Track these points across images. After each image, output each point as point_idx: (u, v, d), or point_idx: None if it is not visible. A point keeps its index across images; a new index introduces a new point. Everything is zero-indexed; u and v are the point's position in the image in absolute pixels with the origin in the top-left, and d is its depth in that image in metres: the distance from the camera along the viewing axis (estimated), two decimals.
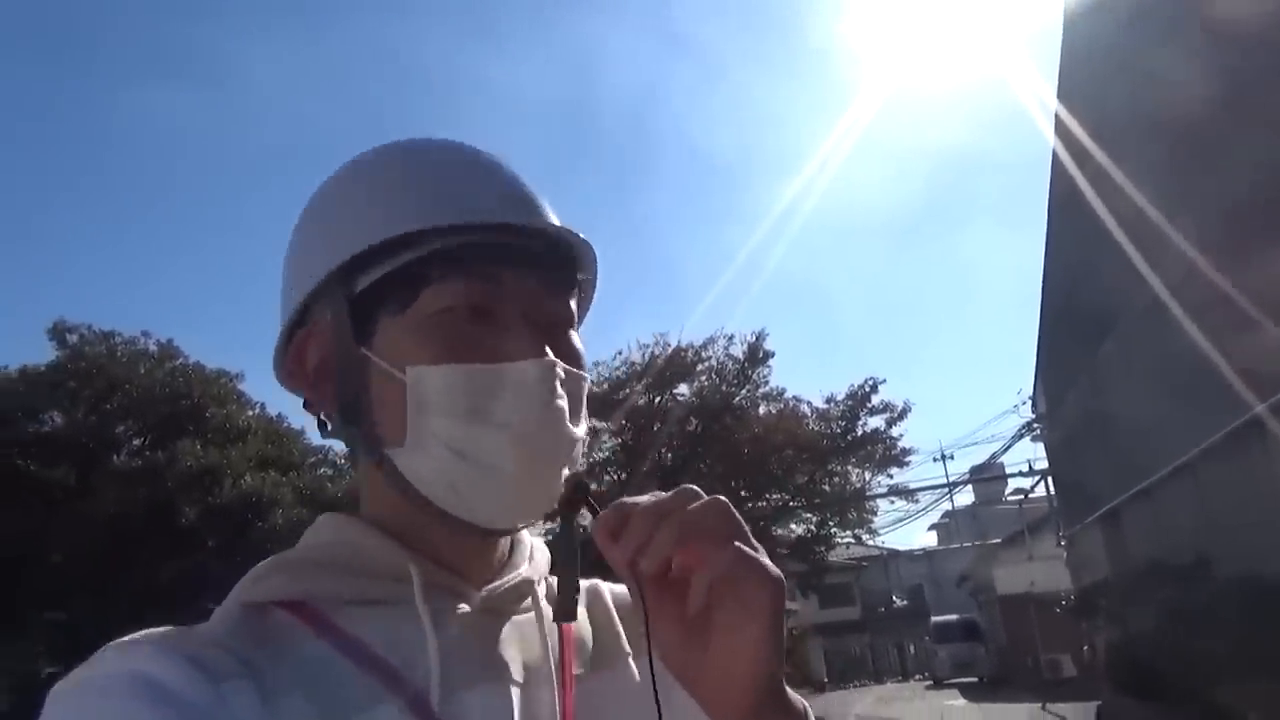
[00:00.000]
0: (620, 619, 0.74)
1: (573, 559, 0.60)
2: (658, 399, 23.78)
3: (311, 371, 0.67)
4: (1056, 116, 13.01)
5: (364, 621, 0.60)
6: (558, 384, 0.62)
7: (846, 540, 27.93)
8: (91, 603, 9.70)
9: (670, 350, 23.28)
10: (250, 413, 12.89)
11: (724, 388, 23.77)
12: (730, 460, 23.36)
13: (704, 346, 23.67)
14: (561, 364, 0.63)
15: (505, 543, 0.70)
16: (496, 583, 0.66)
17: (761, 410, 24.22)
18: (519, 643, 0.65)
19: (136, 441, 11.73)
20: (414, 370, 0.60)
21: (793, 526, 25.25)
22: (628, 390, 23.49)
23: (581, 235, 0.67)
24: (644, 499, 0.54)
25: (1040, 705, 17.49)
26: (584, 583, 0.74)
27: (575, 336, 0.68)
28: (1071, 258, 14.02)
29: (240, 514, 9.67)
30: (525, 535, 0.73)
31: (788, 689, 0.55)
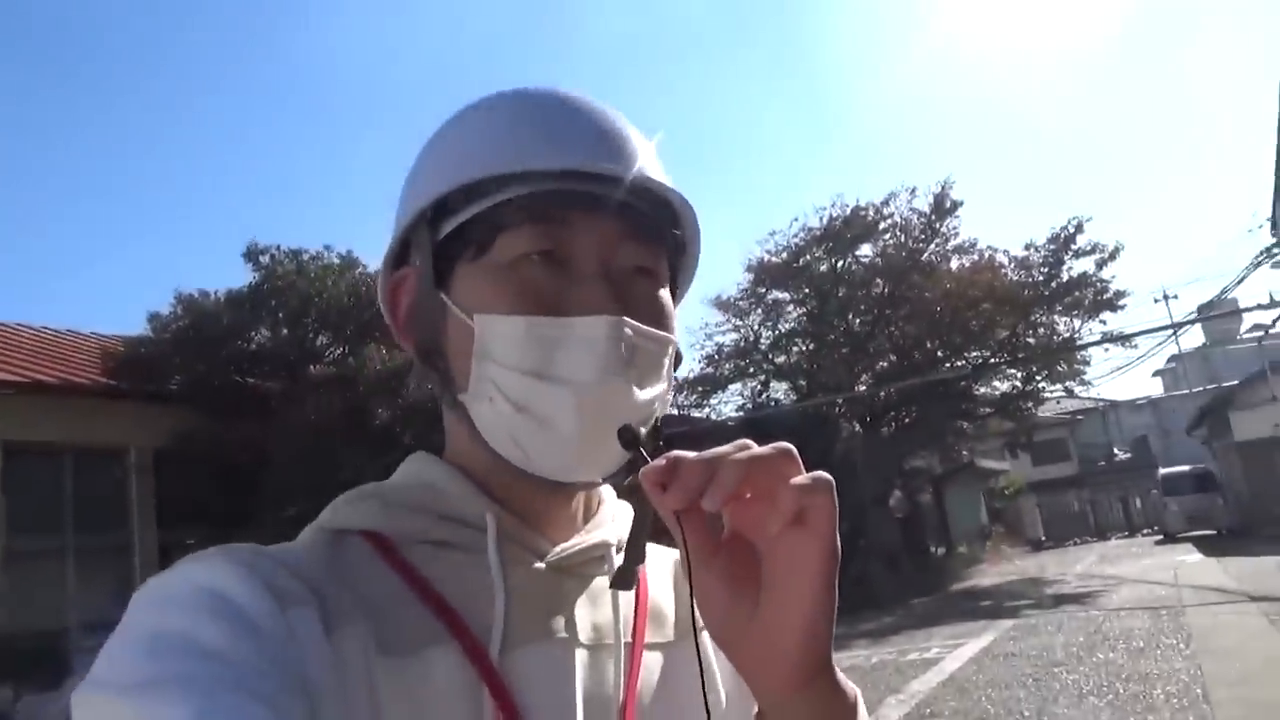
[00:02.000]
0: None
1: (643, 528, 0.59)
2: (840, 263, 22.80)
3: (403, 314, 0.68)
4: None
5: (436, 563, 0.61)
6: (624, 342, 0.60)
7: (1057, 394, 26.28)
8: (313, 501, 10.47)
9: (849, 211, 22.13)
10: None
11: (910, 244, 22.46)
12: (922, 320, 22.22)
13: (885, 203, 22.34)
14: (632, 322, 0.61)
15: (589, 501, 0.71)
16: (572, 541, 0.66)
17: (953, 265, 22.75)
18: (589, 605, 0.65)
19: (335, 351, 12.46)
20: (481, 318, 0.61)
21: (995, 384, 23.90)
22: (808, 257, 22.65)
23: (675, 188, 0.65)
24: (695, 454, 0.51)
25: None
26: (670, 553, 0.75)
27: (660, 292, 0.67)
28: None
29: (429, 412, 10.10)
30: (610, 496, 0.73)
31: (839, 674, 0.54)
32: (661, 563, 0.75)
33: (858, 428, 23.38)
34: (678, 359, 0.69)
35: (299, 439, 10.32)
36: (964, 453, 28.62)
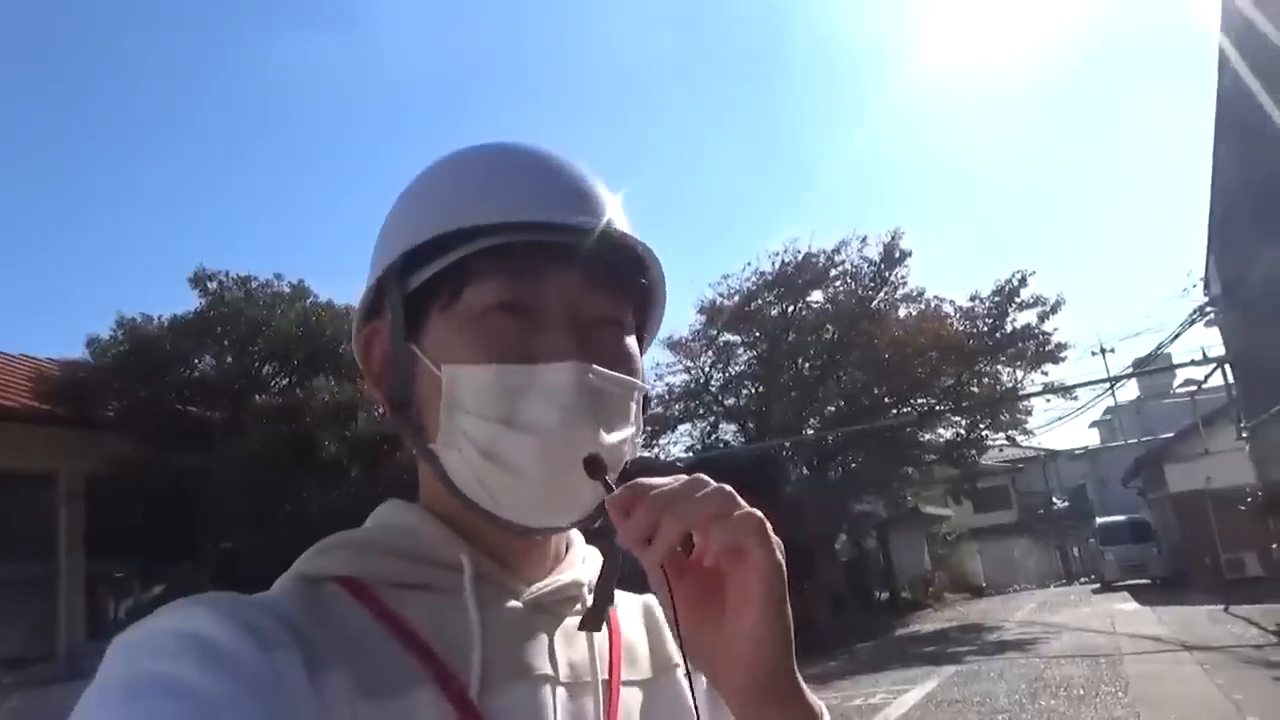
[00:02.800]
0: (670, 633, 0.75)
1: (612, 572, 0.61)
2: (791, 308, 23.07)
3: (377, 364, 0.68)
4: None
5: (413, 605, 0.61)
6: (589, 388, 0.61)
7: (999, 443, 26.77)
8: (253, 534, 10.21)
9: (801, 257, 22.46)
10: None
11: (860, 292, 22.82)
12: (870, 366, 22.51)
13: (837, 250, 22.71)
14: (596, 367, 0.62)
15: (559, 543, 0.71)
16: (546, 581, 0.67)
17: (901, 313, 23.16)
18: (566, 643, 0.65)
19: (283, 381, 12.20)
20: (449, 369, 0.61)
21: (940, 431, 24.26)
22: (759, 301, 22.90)
23: (635, 235, 0.66)
24: (658, 480, 0.54)
25: (1223, 607, 16.39)
26: (637, 597, 0.76)
27: (626, 339, 0.67)
28: (1247, 117, 12.45)
29: (377, 445, 9.90)
30: (578, 539, 0.74)
31: (804, 687, 0.56)
32: (630, 605, 0.77)
33: (805, 471, 23.53)
34: (645, 404, 0.71)
35: (242, 470, 10.04)
36: (908, 498, 28.92)
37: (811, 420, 23.64)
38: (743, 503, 0.54)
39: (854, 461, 23.96)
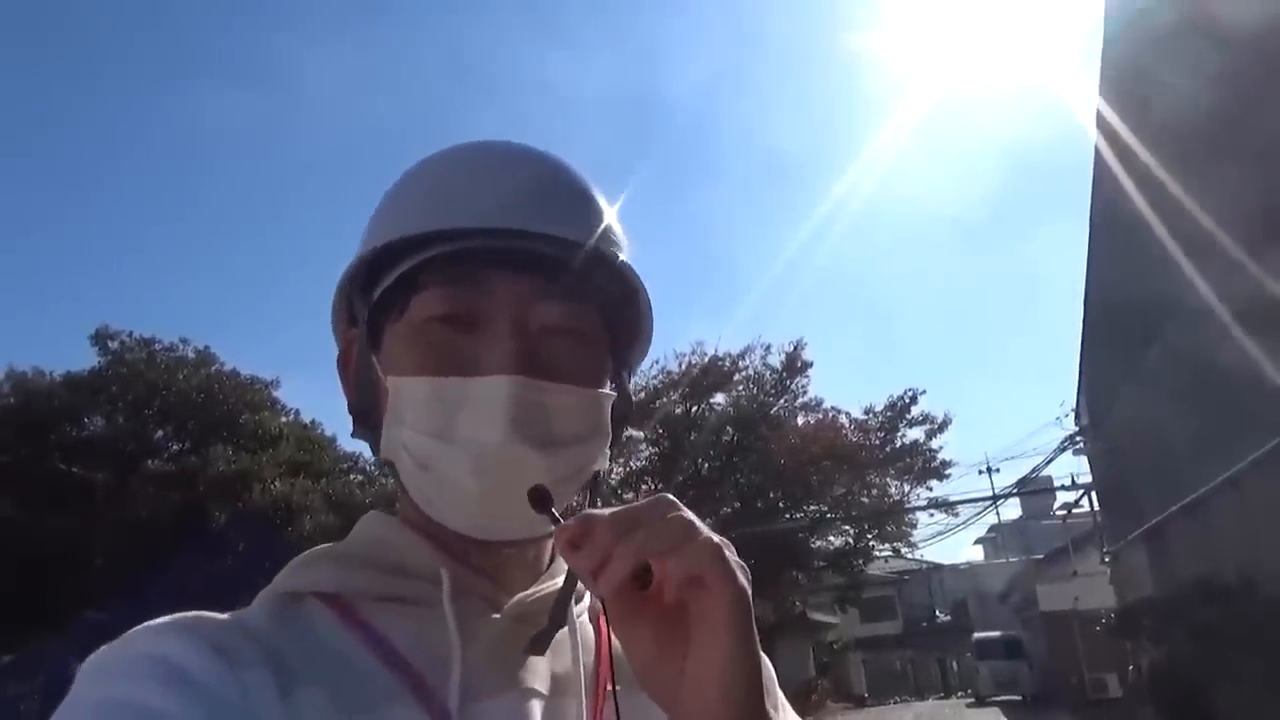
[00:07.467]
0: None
1: (568, 594, 0.61)
2: (694, 408, 23.66)
3: (352, 374, 0.69)
4: (1098, 116, 12.73)
5: (393, 620, 0.61)
6: (526, 402, 0.59)
7: (886, 554, 27.52)
8: (129, 604, 9.84)
9: (707, 359, 23.20)
10: (283, 419, 13.18)
11: (761, 397, 23.61)
12: (766, 471, 23.14)
13: (741, 355, 23.58)
14: (537, 382, 0.60)
15: (541, 552, 0.69)
16: (529, 590, 0.65)
17: (799, 420, 24.02)
18: (549, 654, 0.62)
19: (175, 446, 11.95)
20: (393, 380, 0.61)
21: (830, 538, 24.92)
22: (664, 400, 23.42)
23: (600, 244, 0.64)
24: (611, 510, 0.50)
25: None
26: None
27: (586, 349, 0.65)
28: (1114, 264, 13.71)
29: (270, 519, 9.78)
30: None
31: (775, 713, 0.53)
32: None
33: None
34: (627, 413, 0.70)
35: (124, 536, 9.76)
36: (796, 604, 29.27)
37: (708, 520, 23.72)
38: (702, 528, 0.50)
39: (747, 563, 24.24)
